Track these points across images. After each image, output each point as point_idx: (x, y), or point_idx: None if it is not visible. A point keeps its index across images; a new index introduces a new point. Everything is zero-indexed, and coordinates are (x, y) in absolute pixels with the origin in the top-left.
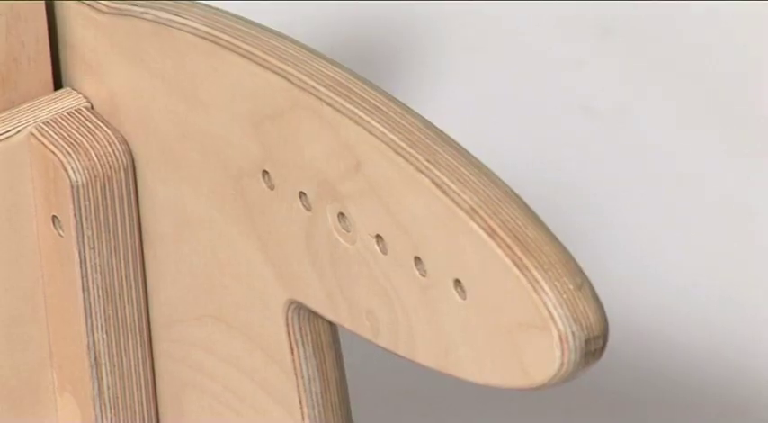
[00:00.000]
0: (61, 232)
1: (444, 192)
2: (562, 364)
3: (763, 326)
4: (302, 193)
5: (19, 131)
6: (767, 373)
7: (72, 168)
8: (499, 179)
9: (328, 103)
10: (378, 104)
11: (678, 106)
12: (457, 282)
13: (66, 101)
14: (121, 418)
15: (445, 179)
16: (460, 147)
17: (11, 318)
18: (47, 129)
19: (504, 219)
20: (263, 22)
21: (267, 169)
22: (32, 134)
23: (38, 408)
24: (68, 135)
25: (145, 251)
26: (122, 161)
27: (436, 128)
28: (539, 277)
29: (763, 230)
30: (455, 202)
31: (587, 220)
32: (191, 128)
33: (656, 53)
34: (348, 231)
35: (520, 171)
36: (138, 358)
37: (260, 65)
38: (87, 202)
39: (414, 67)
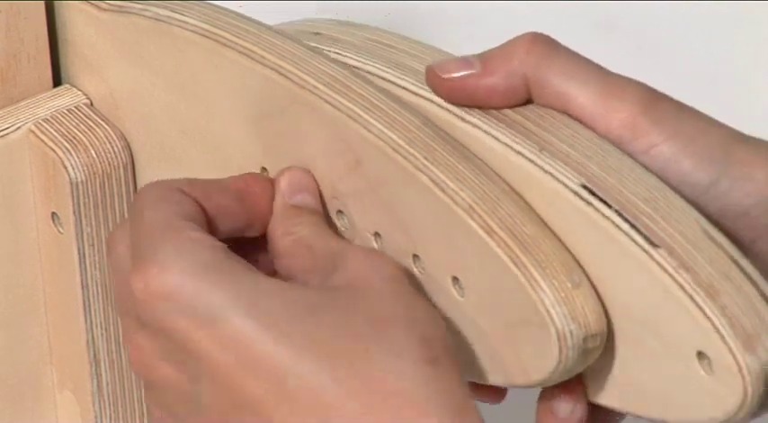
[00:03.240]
0: (60, 229)
1: (442, 190)
2: (560, 361)
3: None
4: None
5: (18, 128)
6: None
7: (71, 165)
8: (497, 177)
9: (327, 101)
10: (376, 102)
11: None
12: (455, 279)
13: (66, 98)
14: (121, 415)
15: (443, 177)
16: (459, 144)
17: (10, 315)
18: (46, 126)
19: (502, 216)
20: (263, 21)
21: (266, 166)
22: (32, 131)
23: (37, 405)
24: (68, 132)
25: None
26: (122, 158)
27: (435, 126)
28: (536, 275)
29: None
30: (453, 200)
31: None
32: (190, 125)
33: (656, 52)
34: (347, 229)
35: None
36: None
37: (259, 62)
38: (87, 199)
39: None
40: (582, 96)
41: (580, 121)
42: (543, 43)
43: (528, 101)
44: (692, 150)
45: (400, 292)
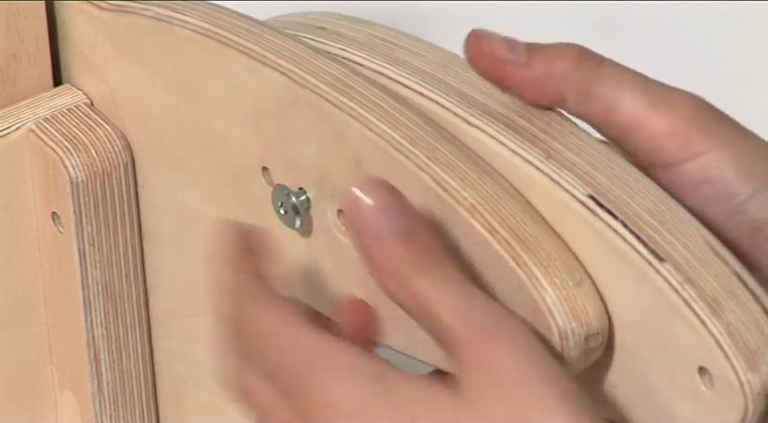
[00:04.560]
0: (61, 229)
1: (444, 189)
2: (562, 360)
3: None
4: (302, 190)
5: (18, 128)
6: None
7: (71, 165)
8: (499, 176)
9: (328, 100)
10: (378, 101)
11: None
12: None
13: (66, 97)
14: (121, 415)
15: (445, 176)
16: (460, 144)
17: (10, 314)
18: (46, 125)
19: (504, 216)
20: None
21: (267, 166)
22: (32, 131)
23: (38, 404)
24: (68, 131)
25: (144, 247)
26: (122, 157)
27: (436, 125)
28: (538, 274)
29: None
30: (455, 200)
31: None
32: (190, 124)
33: (656, 52)
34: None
35: None
36: (137, 354)
37: (259, 61)
38: (87, 199)
39: None
40: (630, 103)
41: (628, 127)
42: (591, 58)
43: (551, 107)
44: (739, 162)
45: (529, 361)
